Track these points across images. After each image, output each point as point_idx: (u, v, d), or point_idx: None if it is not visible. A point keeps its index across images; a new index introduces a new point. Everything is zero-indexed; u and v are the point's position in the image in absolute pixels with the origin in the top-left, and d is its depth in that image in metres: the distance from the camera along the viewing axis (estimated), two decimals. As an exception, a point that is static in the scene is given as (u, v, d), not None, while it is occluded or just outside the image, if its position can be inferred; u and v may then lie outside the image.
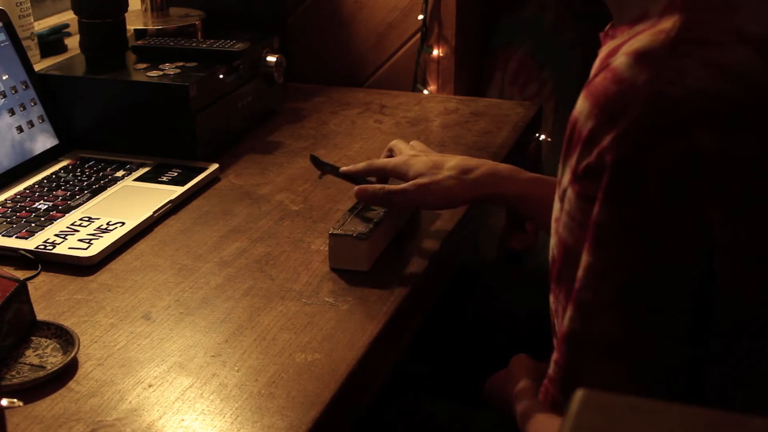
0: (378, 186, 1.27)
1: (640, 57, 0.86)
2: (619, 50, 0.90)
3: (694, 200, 0.85)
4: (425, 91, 1.97)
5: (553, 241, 0.97)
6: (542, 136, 1.89)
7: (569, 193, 0.90)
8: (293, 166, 1.54)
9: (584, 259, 0.88)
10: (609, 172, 0.85)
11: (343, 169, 1.32)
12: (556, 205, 0.97)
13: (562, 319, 0.92)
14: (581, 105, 0.88)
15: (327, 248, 1.23)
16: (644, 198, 0.85)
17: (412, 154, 1.29)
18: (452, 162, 1.25)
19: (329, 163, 1.36)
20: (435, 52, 1.96)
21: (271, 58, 1.66)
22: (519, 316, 1.45)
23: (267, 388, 0.99)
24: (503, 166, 1.27)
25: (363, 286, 1.18)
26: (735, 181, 0.85)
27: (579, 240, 0.89)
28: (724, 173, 0.85)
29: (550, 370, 0.93)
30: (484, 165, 1.25)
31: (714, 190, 0.85)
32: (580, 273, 0.88)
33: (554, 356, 0.93)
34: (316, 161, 1.35)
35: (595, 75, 0.90)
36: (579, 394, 0.63)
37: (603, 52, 0.96)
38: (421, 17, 1.93)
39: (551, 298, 0.96)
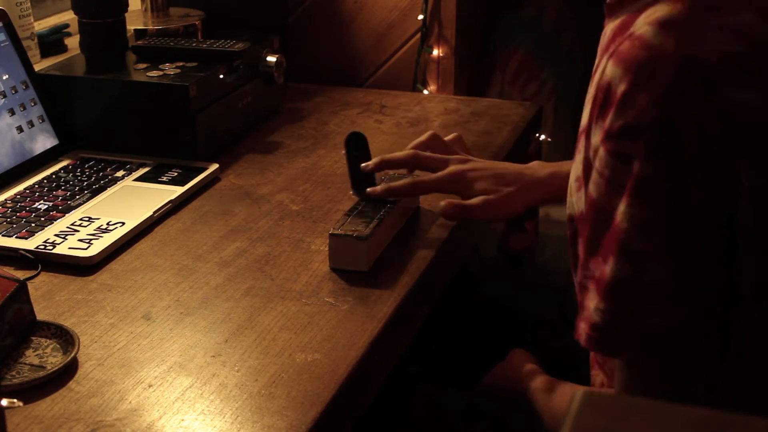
0: (457, 203, 1.28)
1: (664, 24, 0.93)
2: (634, 21, 0.96)
3: (726, 150, 0.92)
4: (425, 91, 1.97)
5: (572, 199, 1.03)
6: (542, 136, 1.89)
7: (601, 152, 0.95)
8: (293, 166, 1.54)
9: (625, 211, 0.93)
10: (649, 130, 0.91)
11: (389, 187, 1.30)
12: (577, 167, 1.02)
13: (598, 269, 0.96)
14: (612, 70, 0.93)
15: (327, 248, 1.23)
16: (684, 152, 0.91)
17: (468, 167, 1.30)
18: (511, 172, 1.30)
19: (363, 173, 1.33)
20: (435, 52, 1.96)
21: (271, 58, 1.66)
22: (519, 316, 1.45)
23: (267, 388, 0.99)
24: (544, 172, 1.31)
25: (363, 286, 1.18)
26: (757, 130, 0.93)
27: (608, 195, 0.94)
28: (747, 124, 0.92)
29: (594, 317, 0.96)
30: (530, 175, 1.31)
31: (741, 139, 0.92)
32: (623, 224, 0.93)
33: (595, 304, 0.96)
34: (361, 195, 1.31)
35: (618, 43, 0.95)
36: (579, 394, 0.63)
37: (614, 24, 1.01)
38: (421, 17, 1.93)
39: (580, 251, 1.00)
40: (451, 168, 1.30)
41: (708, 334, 0.95)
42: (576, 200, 1.03)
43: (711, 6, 0.94)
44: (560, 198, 1.26)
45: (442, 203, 1.27)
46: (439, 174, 1.30)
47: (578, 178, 1.02)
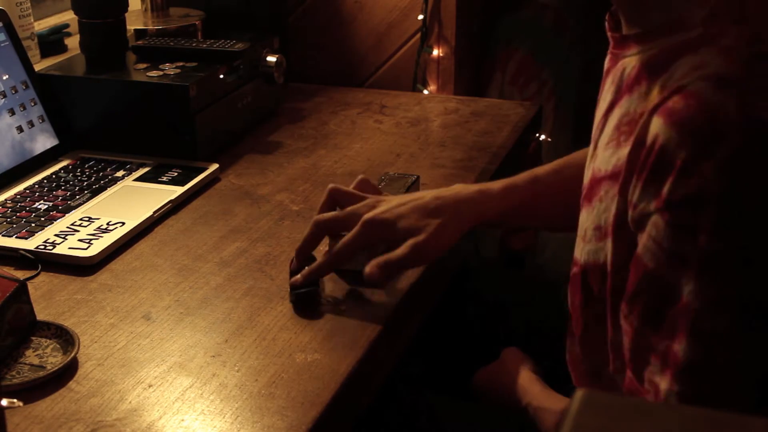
0: (381, 260, 1.12)
1: (721, 82, 0.87)
2: (669, 66, 0.91)
3: None
4: (425, 91, 1.97)
5: (588, 246, 0.99)
6: (542, 136, 1.89)
7: (656, 220, 0.89)
8: (293, 166, 1.54)
9: (692, 288, 0.88)
10: (715, 202, 0.85)
11: (309, 272, 1.15)
12: (598, 215, 0.97)
13: (663, 345, 0.91)
14: (666, 132, 0.87)
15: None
16: (754, 226, 0.87)
17: (382, 210, 1.15)
18: (430, 204, 1.15)
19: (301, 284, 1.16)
20: (435, 52, 1.96)
21: (271, 58, 1.66)
22: (519, 317, 1.45)
23: (267, 388, 0.99)
24: (469, 191, 1.20)
25: (363, 286, 1.18)
26: None
27: (670, 267, 0.89)
28: None
29: (671, 400, 0.90)
30: (453, 197, 1.18)
31: None
32: (693, 303, 0.88)
33: (667, 386, 0.91)
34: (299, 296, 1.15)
35: (663, 95, 0.90)
36: (579, 394, 0.63)
37: (636, 61, 0.96)
38: (421, 17, 1.93)
39: (623, 311, 0.95)
40: (365, 218, 1.13)
41: None
42: (596, 249, 0.98)
43: (762, 54, 0.89)
44: (494, 220, 1.21)
45: (366, 269, 1.11)
46: (355, 230, 1.13)
47: (600, 227, 0.98)
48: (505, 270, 1.86)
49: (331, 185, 1.20)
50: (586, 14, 2.45)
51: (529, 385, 1.20)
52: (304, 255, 1.17)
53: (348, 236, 1.14)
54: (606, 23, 1.05)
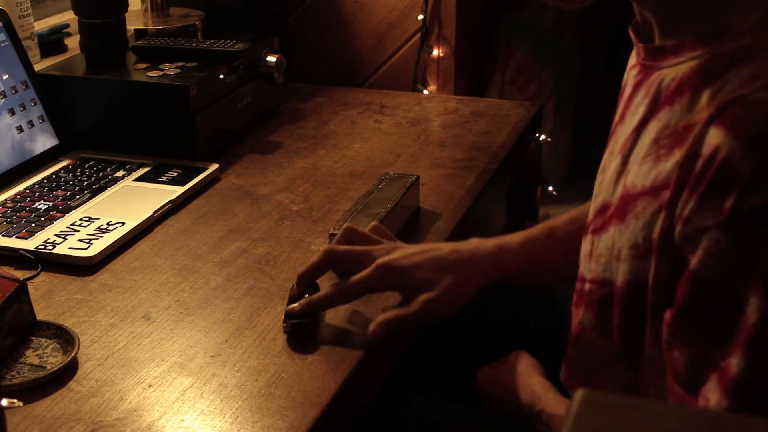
0: (389, 318, 1.10)
1: None
2: (720, 76, 0.89)
3: None
4: (425, 91, 1.97)
5: (619, 266, 0.97)
6: (542, 136, 1.89)
7: (717, 235, 0.87)
8: (293, 166, 1.54)
9: (756, 301, 0.85)
10: None
11: (310, 301, 1.10)
12: (635, 233, 0.95)
13: (722, 359, 0.89)
14: (729, 144, 0.85)
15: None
16: None
17: (397, 256, 1.12)
18: (447, 258, 1.13)
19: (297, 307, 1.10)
20: (435, 52, 1.96)
21: (271, 58, 1.66)
22: (518, 317, 1.45)
23: (267, 388, 0.99)
24: (487, 247, 1.17)
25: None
26: None
27: (734, 281, 0.87)
28: None
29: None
30: (471, 252, 1.15)
31: None
32: (753, 317, 0.85)
33: (717, 400, 0.89)
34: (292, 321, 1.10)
35: (718, 106, 0.88)
36: (579, 394, 0.63)
37: (677, 72, 0.94)
38: (421, 17, 1.93)
39: (666, 328, 0.93)
40: (380, 261, 1.10)
41: None
42: (636, 267, 0.96)
43: None
44: (512, 276, 1.18)
45: (370, 327, 1.08)
46: (368, 271, 1.10)
47: (638, 245, 0.95)
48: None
49: (347, 225, 1.18)
50: (587, 14, 2.45)
51: (543, 392, 1.16)
52: (306, 282, 1.12)
53: (360, 276, 1.10)
54: (631, 33, 1.02)
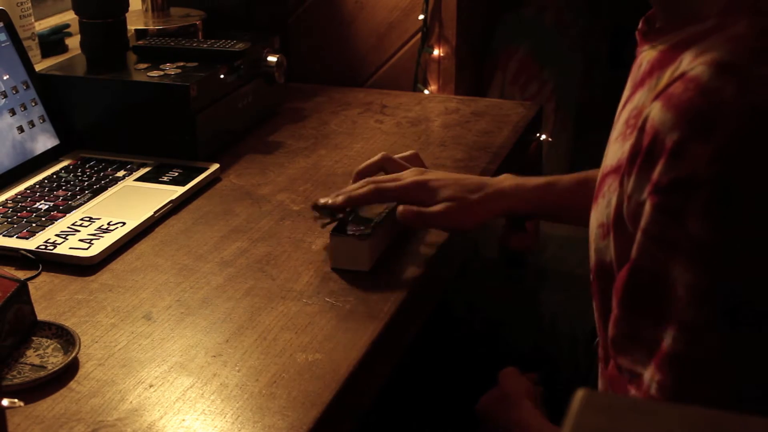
0: (414, 209, 1.23)
1: (723, 68, 0.85)
2: (680, 56, 0.89)
3: None
4: (426, 91, 1.97)
5: (598, 245, 0.98)
6: (543, 136, 1.89)
7: (646, 206, 0.87)
8: (294, 166, 1.54)
9: (681, 276, 0.85)
10: (707, 187, 0.83)
11: (350, 195, 1.25)
12: (601, 211, 0.96)
13: (650, 334, 0.89)
14: (661, 115, 0.86)
15: (328, 248, 1.23)
16: (746, 214, 0.83)
17: (429, 176, 1.26)
18: (472, 183, 1.26)
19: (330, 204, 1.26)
20: (436, 52, 1.96)
21: (272, 58, 1.66)
22: (518, 318, 1.45)
23: (268, 388, 0.99)
24: (510, 182, 1.27)
25: (364, 286, 1.18)
26: None
27: (657, 255, 0.87)
28: None
29: (652, 389, 0.89)
30: (496, 183, 1.27)
31: None
32: (679, 291, 0.86)
33: (650, 375, 0.89)
34: (319, 209, 1.27)
35: (666, 83, 0.88)
36: (579, 394, 0.63)
37: (651, 55, 0.95)
38: (421, 17, 1.93)
39: (616, 305, 0.93)
40: (415, 178, 1.26)
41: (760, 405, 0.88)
42: (602, 247, 0.96)
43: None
44: (525, 211, 1.26)
45: (400, 208, 1.23)
46: (401, 182, 1.26)
47: (602, 224, 0.96)
48: (506, 270, 1.85)
49: (383, 153, 1.32)
50: (587, 14, 2.45)
51: (536, 423, 1.17)
52: (363, 176, 1.28)
53: (397, 184, 1.25)
54: (639, 25, 1.03)
